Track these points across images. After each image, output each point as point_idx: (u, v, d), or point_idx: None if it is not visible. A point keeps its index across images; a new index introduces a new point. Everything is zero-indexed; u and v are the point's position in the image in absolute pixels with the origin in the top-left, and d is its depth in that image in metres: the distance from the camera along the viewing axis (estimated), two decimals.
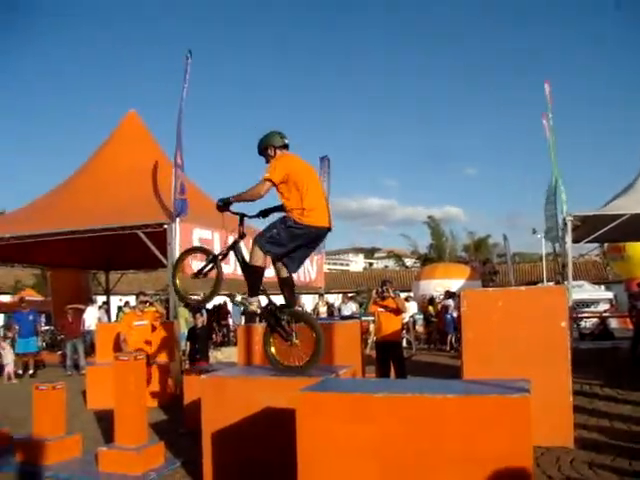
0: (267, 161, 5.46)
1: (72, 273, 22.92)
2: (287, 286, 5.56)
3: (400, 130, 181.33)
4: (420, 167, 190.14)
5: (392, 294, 9.86)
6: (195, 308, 12.78)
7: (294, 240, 5.36)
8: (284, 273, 5.55)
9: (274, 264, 5.56)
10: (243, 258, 5.75)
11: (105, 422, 8.24)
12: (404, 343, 19.48)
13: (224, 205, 5.55)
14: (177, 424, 8.41)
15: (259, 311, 5.82)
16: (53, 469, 6.31)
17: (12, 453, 6.85)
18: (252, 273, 5.51)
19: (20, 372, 15.92)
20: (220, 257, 5.90)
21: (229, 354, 14.45)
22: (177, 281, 6.24)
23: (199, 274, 6.01)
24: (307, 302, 25.69)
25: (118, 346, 10.56)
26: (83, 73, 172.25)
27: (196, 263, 8.89)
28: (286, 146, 5.57)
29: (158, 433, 7.77)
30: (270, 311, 5.56)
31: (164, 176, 14.20)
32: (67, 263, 20.86)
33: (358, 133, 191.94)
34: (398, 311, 9.76)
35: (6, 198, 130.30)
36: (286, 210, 5.33)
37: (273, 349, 5.48)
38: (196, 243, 12.21)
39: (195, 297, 7.59)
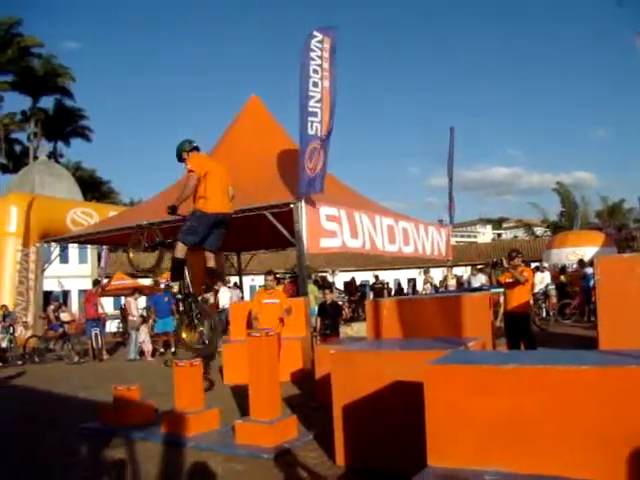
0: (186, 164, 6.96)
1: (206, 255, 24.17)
2: (210, 275, 7.28)
3: (521, 97, 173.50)
4: (546, 133, 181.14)
5: (521, 264, 9.57)
6: (325, 285, 13.03)
7: (203, 224, 7.03)
8: (211, 262, 7.33)
9: (203, 251, 7.20)
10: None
11: (240, 396, 8.62)
12: (543, 314, 18.79)
13: (172, 211, 7.01)
14: (309, 398, 8.66)
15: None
16: (194, 440, 6.70)
17: (158, 425, 7.36)
18: (176, 264, 7.30)
19: (162, 350, 17.08)
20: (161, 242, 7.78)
21: (359, 329, 14.63)
22: (130, 254, 8.27)
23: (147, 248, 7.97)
24: (436, 275, 25.40)
25: (250, 324, 11.01)
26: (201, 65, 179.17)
27: None
28: (196, 148, 7.24)
29: (291, 407, 8.03)
30: (186, 297, 7.12)
31: (290, 157, 14.52)
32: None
33: (484, 102, 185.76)
34: (526, 282, 9.48)
35: (141, 189, 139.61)
36: (194, 198, 6.85)
37: (184, 334, 7.07)
38: (323, 220, 12.40)
39: (145, 266, 9.31)
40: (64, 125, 56.78)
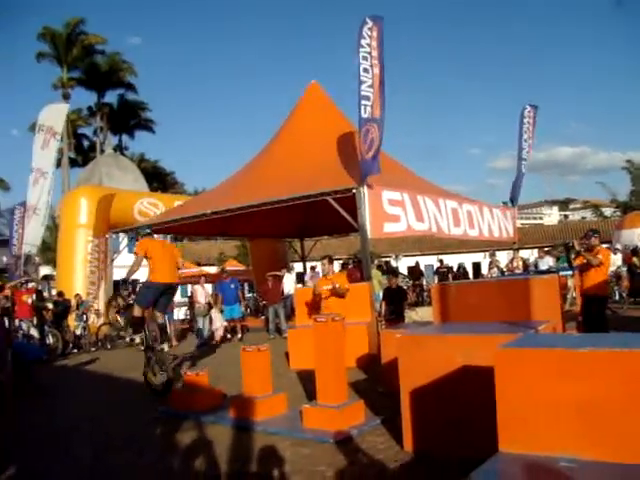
0: None
1: (270, 242, 24.41)
2: (160, 329, 9.61)
3: (586, 72, 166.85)
4: (613, 109, 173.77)
5: (599, 244, 9.27)
6: (388, 270, 13.00)
7: (151, 292, 9.22)
8: (158, 319, 9.53)
9: (152, 311, 9.40)
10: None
11: (307, 381, 8.70)
12: (615, 297, 18.16)
13: (124, 282, 9.87)
14: (376, 383, 8.66)
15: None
16: (262, 424, 6.81)
17: (226, 409, 7.52)
18: (135, 321, 9.37)
19: (229, 336, 17.42)
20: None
21: (423, 314, 14.54)
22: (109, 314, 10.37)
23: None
24: (501, 259, 24.92)
25: (315, 310, 11.07)
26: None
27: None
28: (149, 234, 10.07)
29: (357, 392, 8.05)
30: (147, 348, 9.27)
31: (351, 142, 14.49)
32: (265, 233, 22.20)
33: (549, 79, 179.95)
34: (601, 265, 9.19)
35: (205, 178, 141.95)
36: (149, 271, 9.11)
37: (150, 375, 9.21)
38: (386, 205, 12.34)
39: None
40: (128, 118, 58.35)
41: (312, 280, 21.64)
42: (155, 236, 10.34)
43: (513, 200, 18.55)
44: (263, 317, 20.71)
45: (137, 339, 9.50)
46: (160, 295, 9.28)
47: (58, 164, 35.21)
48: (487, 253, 29.05)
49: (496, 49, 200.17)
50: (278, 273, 19.00)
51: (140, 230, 9.97)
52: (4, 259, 23.44)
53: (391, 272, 13.88)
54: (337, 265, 16.81)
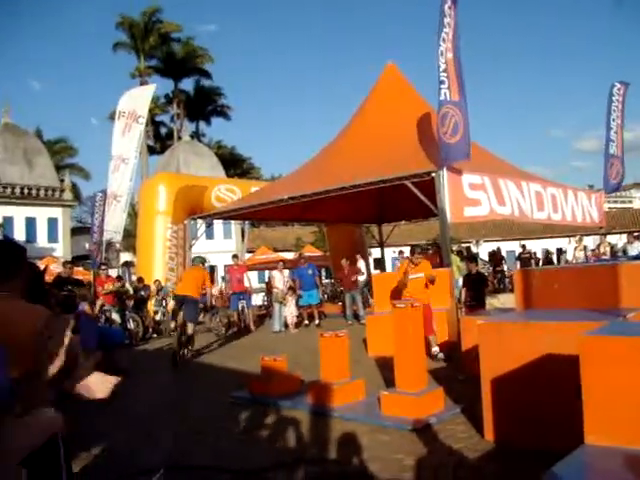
0: None
1: (347, 228, 24.51)
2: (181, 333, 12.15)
3: None
4: None
5: None
6: (468, 255, 12.86)
7: (177, 302, 12.85)
8: (187, 329, 12.09)
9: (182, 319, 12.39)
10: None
11: (385, 368, 8.76)
12: None
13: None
14: (456, 370, 8.64)
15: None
16: (339, 410, 6.90)
17: (304, 395, 7.67)
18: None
19: (307, 322, 17.67)
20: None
21: (505, 300, 14.31)
22: None
23: None
24: (588, 243, 24.13)
25: (395, 295, 11.04)
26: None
27: None
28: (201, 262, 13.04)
29: (437, 379, 8.05)
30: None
31: (430, 124, 14.34)
32: (342, 219, 22.30)
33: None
34: None
35: (281, 164, 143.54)
36: None
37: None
38: (466, 189, 12.19)
39: None
40: (204, 105, 59.51)
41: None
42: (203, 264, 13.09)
43: (607, 183, 17.81)
44: (340, 303, 20.89)
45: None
46: (181, 305, 12.40)
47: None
48: (572, 238, 28.19)
49: (582, 24, 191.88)
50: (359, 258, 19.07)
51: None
52: (87, 246, 24.39)
53: (471, 258, 13.68)
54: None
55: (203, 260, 13.08)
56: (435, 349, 10.08)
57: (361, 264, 19.42)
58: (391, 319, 7.01)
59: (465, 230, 43.49)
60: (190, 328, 12.10)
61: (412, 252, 10.85)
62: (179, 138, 54.12)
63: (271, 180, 51.49)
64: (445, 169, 11.76)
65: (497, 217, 13.34)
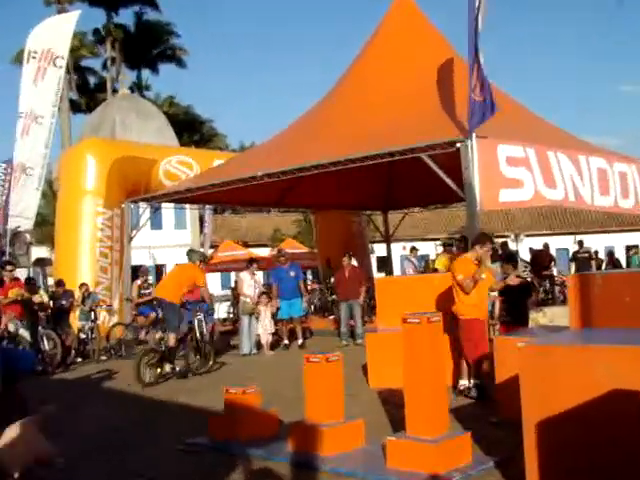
0: None
1: (342, 217, 24.50)
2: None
3: None
4: None
5: None
6: (505, 254, 12.86)
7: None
8: (170, 340, 13.46)
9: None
10: None
11: (392, 405, 8.73)
12: None
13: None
14: (487, 409, 8.62)
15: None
16: (331, 461, 6.85)
17: (283, 440, 7.59)
18: None
19: (286, 342, 17.61)
20: None
21: (554, 316, 14.29)
22: None
23: None
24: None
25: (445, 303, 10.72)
26: None
27: None
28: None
29: (462, 421, 8.03)
30: None
31: (454, 76, 14.32)
32: (336, 204, 22.29)
33: None
34: None
35: (254, 131, 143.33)
36: None
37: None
38: (503, 164, 12.19)
39: None
40: (149, 46, 58.13)
41: (408, 267, 21.73)
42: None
43: None
44: (332, 317, 20.85)
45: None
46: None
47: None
48: None
49: None
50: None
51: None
52: None
53: (508, 258, 13.59)
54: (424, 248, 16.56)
55: (203, 257, 14.26)
56: (464, 382, 10.03)
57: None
58: (400, 338, 6.98)
59: (501, 220, 43.69)
60: (171, 339, 13.42)
61: (481, 241, 10.29)
62: (114, 91, 53.70)
63: (240, 151, 51.43)
64: (475, 137, 11.74)
65: (544, 203, 13.36)
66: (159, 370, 13.10)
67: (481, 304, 10.03)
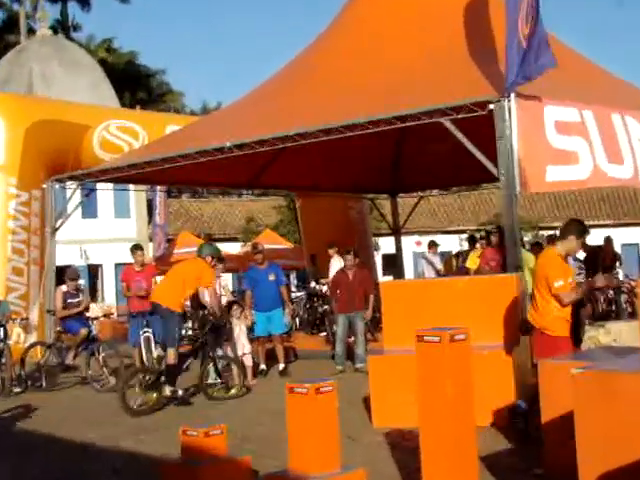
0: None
1: (336, 202, 24.50)
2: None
3: None
4: None
5: None
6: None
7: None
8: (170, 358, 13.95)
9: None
10: None
11: (403, 451, 8.75)
12: None
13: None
14: (528, 458, 8.63)
15: None
16: None
17: None
18: None
19: (263, 367, 17.53)
20: None
21: (619, 333, 14.31)
22: None
23: None
24: None
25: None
26: None
27: None
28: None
29: (496, 474, 8.04)
30: None
31: (488, 17, 14.33)
32: (327, 186, 22.30)
33: None
34: None
35: (220, 88, 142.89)
36: None
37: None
38: (551, 132, 12.18)
39: None
40: None
41: (427, 268, 21.79)
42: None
43: None
44: (324, 334, 20.83)
45: None
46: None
47: None
48: None
49: None
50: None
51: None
52: None
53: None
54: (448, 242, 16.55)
55: (215, 252, 14.77)
56: (522, 402, 10.03)
57: (335, 263, 19.44)
58: (413, 362, 6.99)
59: (547, 206, 43.78)
60: (171, 356, 13.82)
61: (578, 232, 10.23)
62: (30, 32, 53.35)
63: (202, 114, 51.32)
64: (514, 96, 11.74)
65: (607, 184, 13.40)
66: (155, 395, 13.43)
67: (569, 317, 9.95)
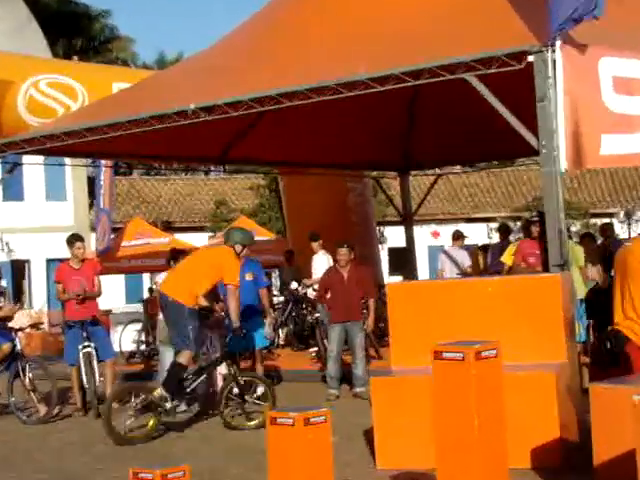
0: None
1: (330, 182, 24.53)
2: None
3: None
4: None
5: None
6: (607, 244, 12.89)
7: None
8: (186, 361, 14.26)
9: None
10: None
11: None
12: None
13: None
14: None
15: None
16: None
17: None
18: None
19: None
20: None
21: None
22: None
23: None
24: None
25: None
26: None
27: None
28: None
29: None
30: None
31: None
32: (319, 161, 22.33)
33: None
34: None
35: (182, 35, 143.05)
36: None
37: None
38: (607, 90, 12.18)
39: None
40: None
41: (450, 266, 21.91)
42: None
43: None
44: (314, 350, 20.90)
45: None
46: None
47: None
48: None
49: None
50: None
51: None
52: None
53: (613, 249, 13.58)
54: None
55: (248, 240, 14.78)
56: None
57: (320, 259, 19.51)
58: (429, 386, 6.99)
59: (602, 188, 43.84)
60: (184, 357, 13.98)
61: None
62: None
63: (159, 68, 51.30)
64: (560, 44, 11.72)
65: None
66: (153, 420, 13.59)
67: None
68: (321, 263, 20.01)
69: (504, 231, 22.20)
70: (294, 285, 23.98)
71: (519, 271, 14.95)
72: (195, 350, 14.10)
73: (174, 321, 14.23)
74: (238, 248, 14.08)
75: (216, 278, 14.16)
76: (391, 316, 12.73)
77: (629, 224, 43.00)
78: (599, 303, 12.06)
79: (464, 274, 21.90)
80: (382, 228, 26.22)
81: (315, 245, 20.73)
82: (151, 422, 13.39)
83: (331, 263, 19.51)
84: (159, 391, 13.51)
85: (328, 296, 17.62)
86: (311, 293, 22.23)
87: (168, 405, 13.59)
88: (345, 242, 17.69)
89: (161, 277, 18.53)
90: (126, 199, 46.79)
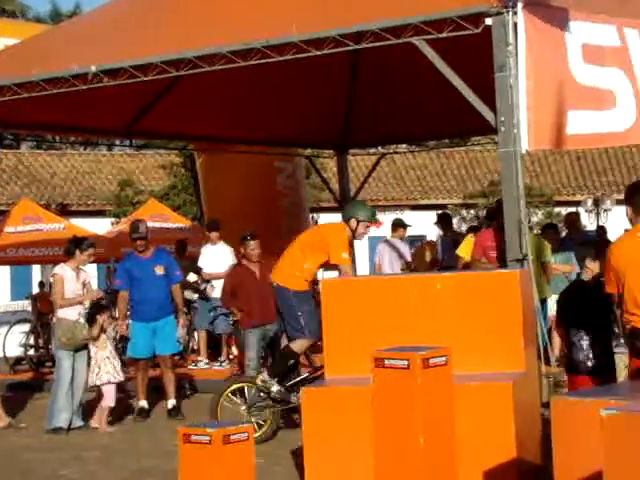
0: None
1: (256, 161, 24.62)
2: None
3: None
4: None
5: None
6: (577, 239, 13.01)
7: None
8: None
9: None
10: None
11: None
12: None
13: None
14: None
15: None
16: None
17: None
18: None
19: (143, 405, 17.57)
20: None
21: None
22: None
23: None
24: None
25: None
26: None
27: None
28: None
29: None
30: None
31: None
32: (242, 136, 22.40)
33: None
34: None
35: None
36: None
37: None
38: (575, 60, 12.30)
39: None
40: None
41: (390, 259, 22.05)
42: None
43: None
44: (233, 356, 20.93)
45: None
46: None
47: None
48: None
49: None
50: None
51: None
52: None
53: (589, 242, 13.74)
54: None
55: (371, 216, 14.85)
56: None
57: (225, 250, 19.63)
58: (368, 398, 7.08)
59: (568, 172, 44.18)
60: (297, 345, 14.78)
61: None
62: None
63: (54, 23, 51.23)
64: (521, 6, 11.82)
65: None
66: (270, 414, 14.03)
67: None
68: (218, 255, 20.11)
69: (447, 222, 22.36)
70: (192, 277, 23.40)
71: (479, 268, 15.08)
72: (311, 336, 14.31)
73: (281, 307, 14.73)
74: (353, 223, 14.11)
75: (321, 258, 14.40)
76: (325, 317, 12.80)
77: (597, 214, 43.13)
78: (568, 306, 12.20)
79: (408, 269, 22.03)
80: (316, 215, 26.29)
81: (214, 235, 20.83)
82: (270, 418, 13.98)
83: (232, 257, 19.66)
84: (263, 376, 14.04)
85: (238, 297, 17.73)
86: (210, 290, 22.23)
87: (275, 388, 13.92)
88: (250, 232, 18.03)
89: (57, 269, 18.41)
90: (12, 177, 46.58)
